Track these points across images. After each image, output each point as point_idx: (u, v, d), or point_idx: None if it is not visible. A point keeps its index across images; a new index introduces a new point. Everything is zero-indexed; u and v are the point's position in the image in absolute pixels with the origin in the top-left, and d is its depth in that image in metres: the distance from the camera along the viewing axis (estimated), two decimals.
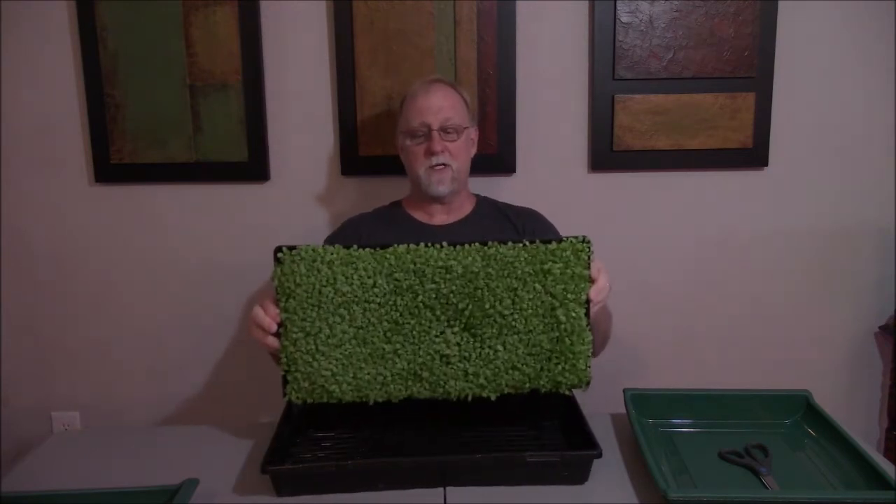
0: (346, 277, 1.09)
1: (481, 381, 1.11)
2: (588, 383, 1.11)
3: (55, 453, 1.25)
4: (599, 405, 1.31)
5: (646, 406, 1.24)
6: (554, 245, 1.09)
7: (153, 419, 1.86)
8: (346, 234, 1.50)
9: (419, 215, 1.50)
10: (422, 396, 1.12)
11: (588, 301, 1.10)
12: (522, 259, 1.09)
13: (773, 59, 1.71)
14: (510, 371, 1.10)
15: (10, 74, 1.71)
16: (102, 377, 1.85)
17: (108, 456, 1.24)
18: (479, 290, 1.09)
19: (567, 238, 1.10)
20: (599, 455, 1.07)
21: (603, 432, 1.21)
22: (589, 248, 1.10)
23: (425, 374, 1.10)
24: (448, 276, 1.09)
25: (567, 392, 1.14)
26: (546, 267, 1.09)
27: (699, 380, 1.79)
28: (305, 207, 1.77)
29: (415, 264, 1.09)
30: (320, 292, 1.09)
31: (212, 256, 1.80)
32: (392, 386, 1.11)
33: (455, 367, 1.10)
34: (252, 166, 1.73)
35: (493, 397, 1.11)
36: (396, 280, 1.09)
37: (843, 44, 1.73)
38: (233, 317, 1.82)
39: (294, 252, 1.09)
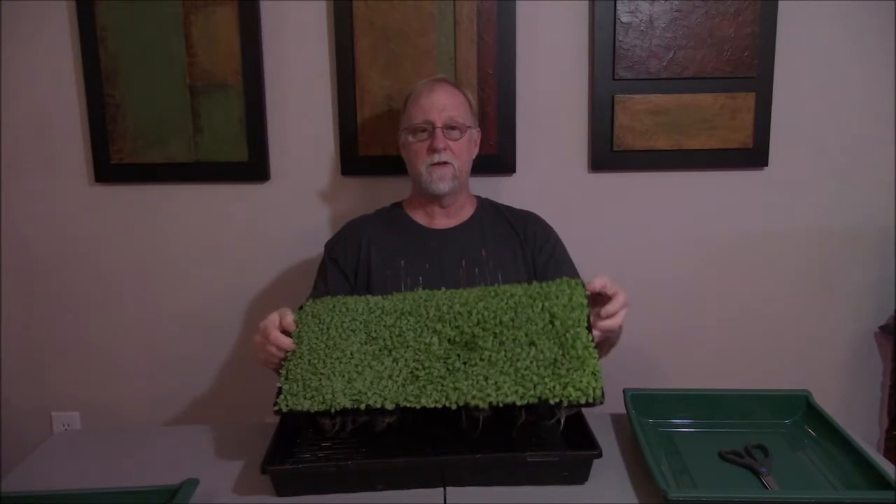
0: (357, 306, 1.18)
1: (481, 383, 1.03)
2: (601, 397, 1.01)
3: (55, 453, 1.25)
4: (599, 405, 1.30)
5: (646, 406, 1.24)
6: (550, 282, 1.16)
7: (153, 419, 1.86)
8: (347, 236, 1.50)
9: (420, 217, 1.49)
10: (418, 403, 1.03)
11: (589, 327, 1.07)
12: (520, 291, 1.15)
13: (773, 59, 1.71)
14: (513, 372, 1.04)
15: (10, 74, 1.71)
16: (102, 377, 1.85)
17: (108, 456, 1.24)
18: (480, 314, 1.12)
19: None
20: (599, 455, 1.06)
21: (603, 432, 1.21)
22: (582, 285, 1.14)
23: (422, 374, 1.07)
24: (450, 302, 1.16)
25: (579, 399, 1.01)
26: (545, 292, 1.14)
27: (699, 380, 1.79)
28: (305, 207, 1.77)
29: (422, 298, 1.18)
30: (331, 318, 1.16)
31: (212, 256, 1.80)
32: (388, 390, 1.05)
33: (455, 374, 1.05)
34: (252, 166, 1.73)
35: (495, 402, 1.01)
36: (402, 306, 1.17)
37: (843, 44, 1.73)
38: (233, 317, 1.82)
39: (316, 300, 1.21)
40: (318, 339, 1.14)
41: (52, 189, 1.77)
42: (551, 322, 1.09)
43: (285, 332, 1.15)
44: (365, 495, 1.06)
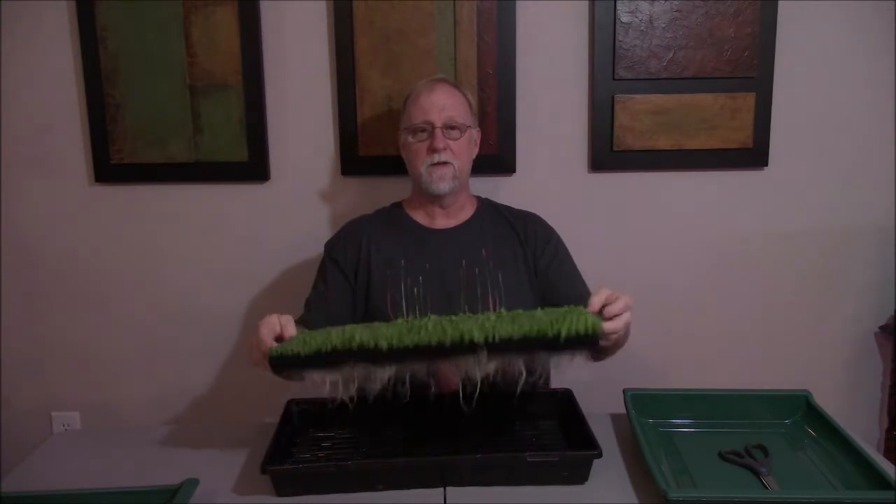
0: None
1: (479, 322, 1.01)
2: (601, 328, 0.98)
3: (55, 453, 1.26)
4: (599, 405, 1.31)
5: (646, 406, 1.24)
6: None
7: (153, 419, 1.86)
8: (347, 236, 1.49)
9: (420, 217, 1.49)
10: (412, 342, 0.99)
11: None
12: (520, 311, 1.12)
13: (773, 59, 1.71)
14: (510, 322, 1.01)
15: (10, 74, 1.71)
16: (102, 377, 1.85)
17: (108, 456, 1.24)
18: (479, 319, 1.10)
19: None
20: (599, 455, 1.07)
21: (603, 432, 1.21)
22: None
23: (416, 326, 1.04)
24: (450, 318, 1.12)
25: (578, 330, 0.97)
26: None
27: (699, 380, 1.78)
28: (305, 207, 1.77)
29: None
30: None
31: (211, 256, 1.80)
32: (382, 336, 1.01)
33: (455, 326, 1.03)
34: (252, 166, 1.73)
35: (492, 336, 0.97)
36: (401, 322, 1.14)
37: (844, 44, 1.73)
38: (233, 317, 1.82)
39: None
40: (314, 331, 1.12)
41: (52, 189, 1.77)
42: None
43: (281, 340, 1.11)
44: (365, 495, 1.06)
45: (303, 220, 1.77)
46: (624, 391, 1.26)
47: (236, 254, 1.79)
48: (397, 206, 1.55)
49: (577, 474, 1.08)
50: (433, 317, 1.14)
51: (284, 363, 1.03)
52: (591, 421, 1.16)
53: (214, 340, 1.83)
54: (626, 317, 1.08)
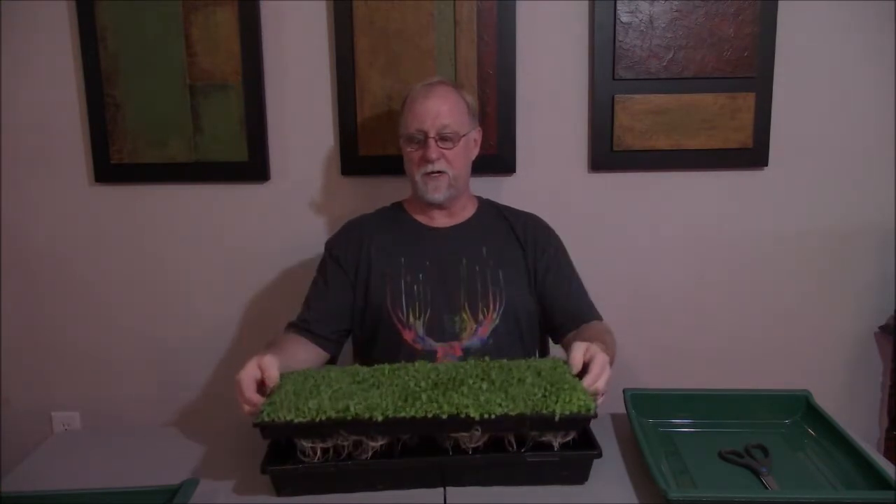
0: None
1: (474, 397, 1.03)
2: (595, 410, 1.03)
3: (55, 453, 1.25)
4: (599, 405, 1.30)
5: (646, 406, 1.24)
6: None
7: (153, 419, 1.86)
8: (348, 234, 1.50)
9: (420, 217, 1.49)
10: (407, 413, 1.00)
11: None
12: (505, 360, 1.16)
13: (773, 59, 1.71)
14: (504, 395, 1.04)
15: (10, 74, 1.71)
16: (102, 377, 1.85)
17: (108, 456, 1.24)
18: (465, 369, 1.13)
19: None
20: (599, 455, 1.06)
21: (603, 432, 1.21)
22: (564, 362, 1.14)
23: (411, 395, 1.04)
24: (436, 367, 1.15)
25: (572, 410, 1.01)
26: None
27: (699, 380, 1.78)
28: (305, 207, 1.77)
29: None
30: (315, 372, 1.15)
31: (212, 256, 1.80)
32: (378, 406, 1.01)
33: (448, 393, 1.04)
34: (252, 166, 1.73)
35: (487, 413, 1.00)
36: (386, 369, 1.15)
37: (843, 44, 1.73)
38: (233, 317, 1.82)
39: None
40: (302, 383, 1.10)
41: (52, 189, 1.77)
42: (538, 374, 1.10)
43: (263, 386, 1.11)
44: (365, 495, 1.06)
45: (302, 221, 1.77)
46: (624, 391, 1.26)
47: (236, 253, 1.79)
48: (398, 205, 1.55)
49: (577, 474, 1.08)
50: (422, 366, 1.15)
51: (274, 432, 1.03)
52: (591, 421, 1.16)
53: (214, 340, 1.83)
54: (606, 373, 1.11)
